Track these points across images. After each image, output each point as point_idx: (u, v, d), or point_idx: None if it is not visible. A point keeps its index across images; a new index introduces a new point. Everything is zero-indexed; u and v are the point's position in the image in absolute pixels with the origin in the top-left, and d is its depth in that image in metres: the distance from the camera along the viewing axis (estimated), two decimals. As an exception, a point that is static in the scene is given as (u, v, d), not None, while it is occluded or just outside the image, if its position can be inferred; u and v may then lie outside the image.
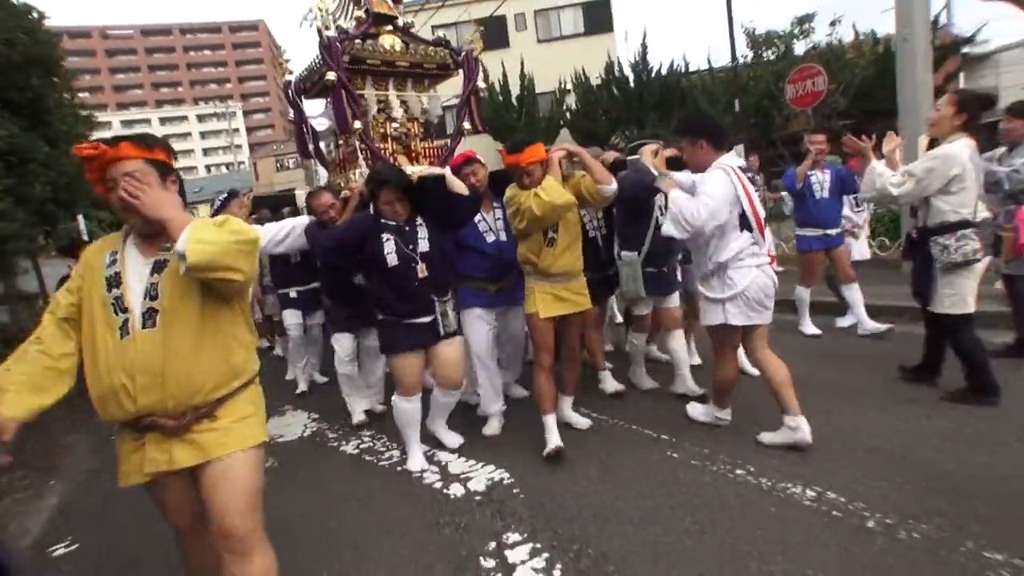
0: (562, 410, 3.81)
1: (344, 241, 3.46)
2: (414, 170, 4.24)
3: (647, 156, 3.76)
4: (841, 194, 5.36)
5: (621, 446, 3.54)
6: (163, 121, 67.70)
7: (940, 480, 2.72)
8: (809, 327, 5.45)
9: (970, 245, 3.32)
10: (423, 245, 3.33)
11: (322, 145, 6.16)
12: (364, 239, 3.35)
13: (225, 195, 4.81)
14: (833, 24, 16.21)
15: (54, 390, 1.77)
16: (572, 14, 22.33)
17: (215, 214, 4.60)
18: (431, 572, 2.52)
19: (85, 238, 8.37)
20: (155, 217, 1.68)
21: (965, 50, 15.31)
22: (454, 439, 3.73)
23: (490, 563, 2.52)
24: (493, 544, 2.66)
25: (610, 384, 4.39)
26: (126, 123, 61.97)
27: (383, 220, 3.36)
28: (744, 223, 3.10)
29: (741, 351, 3.77)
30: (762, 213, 3.14)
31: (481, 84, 6.04)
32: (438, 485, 3.33)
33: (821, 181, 5.26)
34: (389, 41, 5.57)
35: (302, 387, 5.50)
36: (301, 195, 5.97)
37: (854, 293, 5.20)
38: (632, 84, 18.16)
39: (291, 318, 5.34)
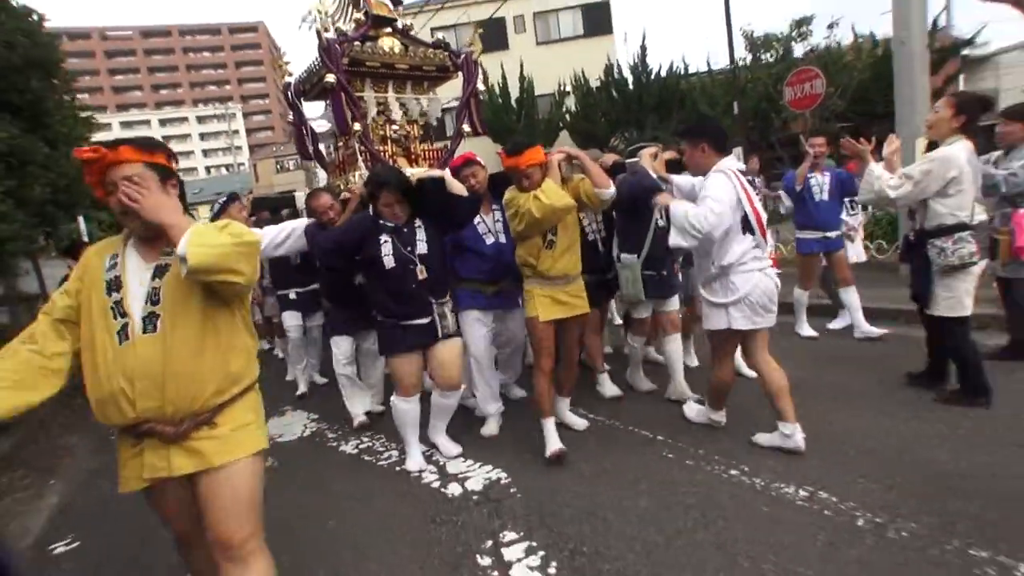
0: (559, 411, 3.84)
1: (343, 242, 3.47)
2: (413, 172, 4.26)
3: (646, 159, 3.80)
4: (841, 196, 5.36)
5: (617, 446, 3.57)
6: (163, 123, 67.70)
7: (930, 480, 2.75)
8: (806, 329, 5.47)
9: (967, 248, 3.33)
10: (421, 247, 3.34)
11: (322, 147, 6.19)
12: (363, 240, 3.36)
13: (225, 198, 4.84)
14: (831, 27, 16.21)
15: (43, 389, 1.74)
16: (571, 16, 22.38)
17: (215, 217, 4.63)
18: (429, 570, 2.55)
19: (85, 239, 8.41)
20: (155, 221, 1.67)
21: (965, 52, 15.35)
22: (453, 448, 3.68)
23: (486, 560, 2.56)
24: (490, 542, 2.69)
25: (608, 388, 4.40)
26: (125, 124, 61.97)
27: (382, 222, 3.38)
28: (746, 226, 3.11)
29: (737, 354, 3.81)
30: (763, 216, 3.16)
31: (480, 86, 6.07)
32: (436, 484, 3.36)
33: (821, 183, 5.27)
34: (388, 43, 5.60)
35: (302, 389, 5.51)
36: (301, 197, 6.00)
37: (851, 296, 5.22)
38: (631, 86, 18.21)
39: (291, 320, 5.35)
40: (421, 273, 3.30)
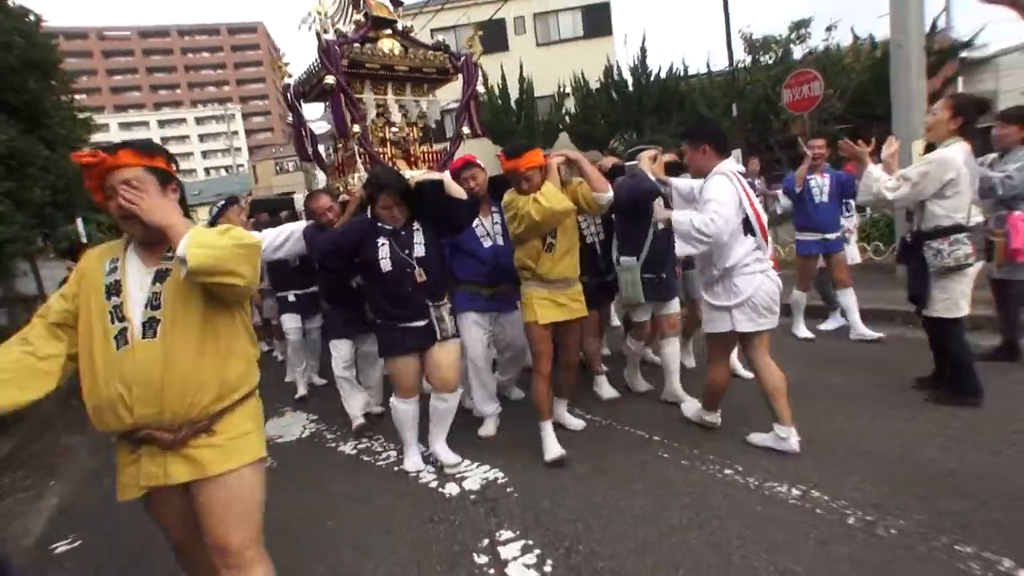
0: (557, 412, 3.86)
1: (341, 244, 3.46)
2: (413, 174, 4.27)
3: (645, 162, 3.81)
4: (841, 198, 5.39)
5: (613, 446, 3.60)
6: (161, 123, 67.58)
7: (921, 479, 2.79)
8: (802, 331, 5.51)
9: (963, 249, 3.36)
10: (419, 250, 3.34)
11: (321, 149, 6.19)
12: (361, 243, 3.37)
13: (224, 201, 4.84)
14: (829, 29, 16.23)
15: (34, 389, 1.72)
16: (571, 18, 22.40)
17: (213, 220, 4.62)
18: (427, 569, 2.57)
19: (84, 241, 8.43)
20: (154, 223, 1.67)
21: (964, 54, 15.31)
22: (452, 458, 3.59)
23: (483, 559, 2.59)
24: (486, 541, 2.72)
25: (606, 390, 4.43)
26: (124, 126, 61.99)
27: (379, 224, 3.38)
28: (747, 228, 3.12)
29: (733, 355, 3.83)
30: (764, 217, 3.17)
31: (480, 88, 6.08)
32: (434, 484, 3.39)
33: (820, 185, 5.30)
34: (388, 45, 5.60)
35: (301, 392, 5.51)
36: (300, 199, 6.00)
37: (849, 298, 5.25)
38: (631, 88, 18.20)
39: (290, 322, 5.36)
40: (420, 276, 3.30)
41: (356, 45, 5.29)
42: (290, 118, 6.01)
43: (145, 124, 65.58)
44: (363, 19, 5.53)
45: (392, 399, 3.59)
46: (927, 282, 3.55)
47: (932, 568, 2.19)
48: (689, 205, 3.52)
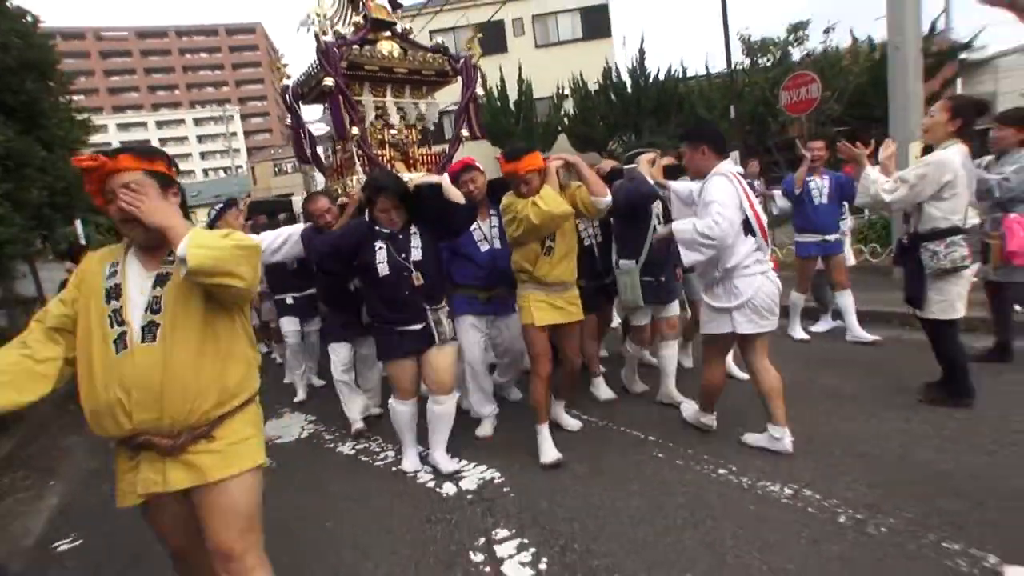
0: (554, 412, 3.89)
1: (339, 246, 3.45)
2: (411, 177, 4.28)
3: (644, 165, 3.83)
4: (840, 200, 5.41)
5: (609, 447, 3.62)
6: (160, 124, 67.43)
7: (912, 479, 2.82)
8: (799, 332, 5.54)
9: (959, 251, 3.38)
10: (416, 254, 3.33)
11: (320, 150, 6.20)
12: (358, 246, 3.36)
13: (222, 204, 4.85)
14: (827, 31, 16.27)
15: (31, 391, 1.72)
16: (570, 19, 22.46)
17: (212, 223, 4.62)
18: (424, 568, 2.60)
19: (83, 242, 8.44)
20: (155, 225, 1.66)
21: (963, 55, 15.35)
22: (450, 465, 3.54)
23: (479, 557, 2.62)
24: (482, 540, 2.75)
25: (603, 391, 4.45)
26: (122, 126, 61.95)
27: (377, 228, 3.38)
28: (747, 228, 3.13)
29: (729, 356, 3.85)
30: (764, 218, 3.19)
31: (479, 91, 6.09)
32: (431, 484, 3.41)
33: (820, 187, 5.32)
34: (387, 47, 5.61)
35: (300, 395, 5.51)
36: (298, 201, 6.01)
37: (847, 300, 5.27)
38: (630, 90, 18.26)
39: (288, 325, 5.37)
40: (417, 280, 3.29)
41: (355, 47, 5.30)
42: (289, 120, 6.01)
43: (143, 125, 65.50)
44: (362, 21, 5.55)
45: (390, 400, 3.60)
46: (923, 284, 3.56)
47: (920, 565, 2.22)
48: (688, 209, 3.53)
